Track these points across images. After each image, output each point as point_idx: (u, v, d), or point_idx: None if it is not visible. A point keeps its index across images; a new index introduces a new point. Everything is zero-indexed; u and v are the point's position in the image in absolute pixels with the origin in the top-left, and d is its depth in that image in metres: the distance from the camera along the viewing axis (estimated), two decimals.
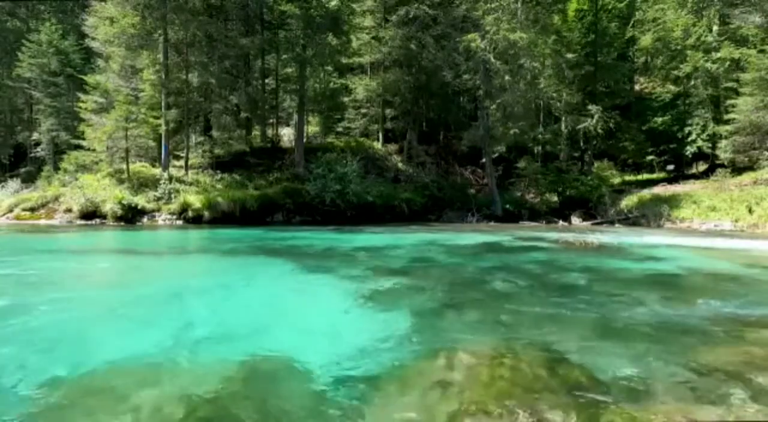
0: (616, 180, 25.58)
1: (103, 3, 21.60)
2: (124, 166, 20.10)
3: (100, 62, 24.36)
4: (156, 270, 8.76)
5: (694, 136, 23.83)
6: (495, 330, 4.59)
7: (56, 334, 4.54)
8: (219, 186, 19.95)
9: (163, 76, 20.32)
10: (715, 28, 23.68)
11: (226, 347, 4.12)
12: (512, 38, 20.26)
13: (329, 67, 26.44)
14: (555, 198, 23.34)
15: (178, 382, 3.36)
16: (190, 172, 20.78)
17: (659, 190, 21.97)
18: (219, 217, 17.80)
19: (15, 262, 8.70)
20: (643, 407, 2.89)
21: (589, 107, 23.68)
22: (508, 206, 22.34)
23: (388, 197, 21.35)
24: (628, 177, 26.94)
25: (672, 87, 27.19)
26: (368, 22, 26.27)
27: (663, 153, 26.18)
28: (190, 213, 17.87)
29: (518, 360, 3.68)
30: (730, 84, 22.30)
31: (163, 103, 20.39)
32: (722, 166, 22.52)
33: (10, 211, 19.45)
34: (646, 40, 26.10)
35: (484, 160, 24.22)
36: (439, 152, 27.58)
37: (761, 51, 20.16)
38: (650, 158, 26.59)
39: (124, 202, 17.75)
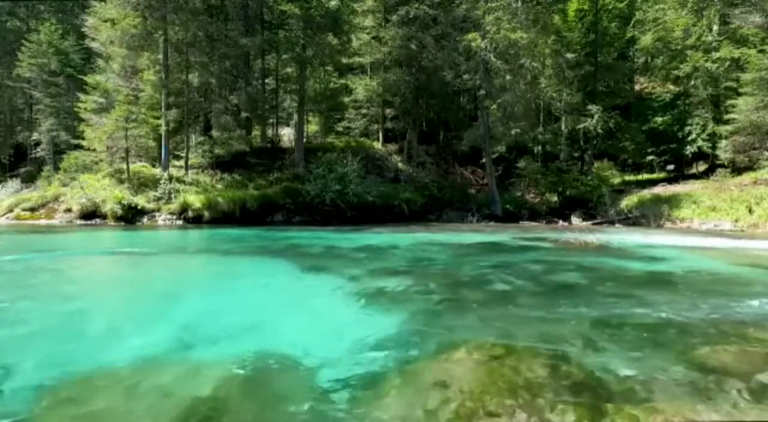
0: (616, 180, 25.53)
1: (103, 3, 21.62)
2: (124, 166, 20.10)
3: (100, 62, 24.37)
4: (155, 270, 8.76)
5: (694, 136, 23.82)
6: (495, 330, 4.58)
7: (56, 334, 4.54)
8: (219, 186, 19.96)
9: (164, 76, 20.33)
10: (715, 28, 23.67)
11: (226, 346, 4.11)
12: (513, 38, 20.25)
13: (329, 67, 26.46)
14: (555, 198, 23.32)
15: (177, 382, 3.36)
16: (190, 172, 20.78)
17: (659, 190, 21.94)
18: (219, 217, 17.80)
19: (14, 262, 8.69)
20: (643, 407, 2.89)
21: (589, 106, 23.67)
22: (508, 206, 22.32)
23: (388, 197, 21.33)
24: (628, 177, 26.90)
25: (672, 87, 27.18)
26: (368, 22, 26.28)
27: (663, 153, 26.16)
28: (190, 213, 17.88)
29: (518, 360, 3.68)
30: (730, 84, 22.28)
31: (163, 103, 20.41)
32: (722, 166, 22.49)
33: (10, 211, 19.45)
34: (646, 40, 26.07)
35: (484, 160, 24.20)
36: (439, 152, 27.59)
37: (761, 51, 20.15)
38: (650, 158, 26.57)
39: (124, 202, 17.77)
